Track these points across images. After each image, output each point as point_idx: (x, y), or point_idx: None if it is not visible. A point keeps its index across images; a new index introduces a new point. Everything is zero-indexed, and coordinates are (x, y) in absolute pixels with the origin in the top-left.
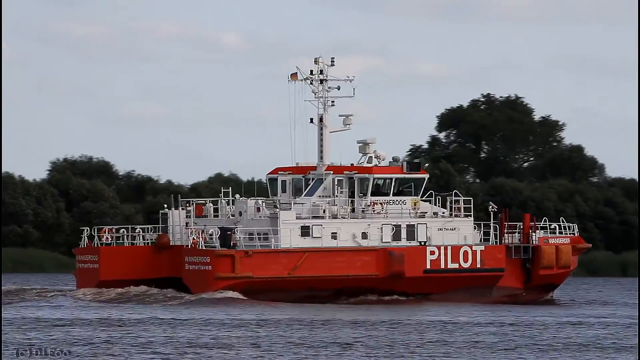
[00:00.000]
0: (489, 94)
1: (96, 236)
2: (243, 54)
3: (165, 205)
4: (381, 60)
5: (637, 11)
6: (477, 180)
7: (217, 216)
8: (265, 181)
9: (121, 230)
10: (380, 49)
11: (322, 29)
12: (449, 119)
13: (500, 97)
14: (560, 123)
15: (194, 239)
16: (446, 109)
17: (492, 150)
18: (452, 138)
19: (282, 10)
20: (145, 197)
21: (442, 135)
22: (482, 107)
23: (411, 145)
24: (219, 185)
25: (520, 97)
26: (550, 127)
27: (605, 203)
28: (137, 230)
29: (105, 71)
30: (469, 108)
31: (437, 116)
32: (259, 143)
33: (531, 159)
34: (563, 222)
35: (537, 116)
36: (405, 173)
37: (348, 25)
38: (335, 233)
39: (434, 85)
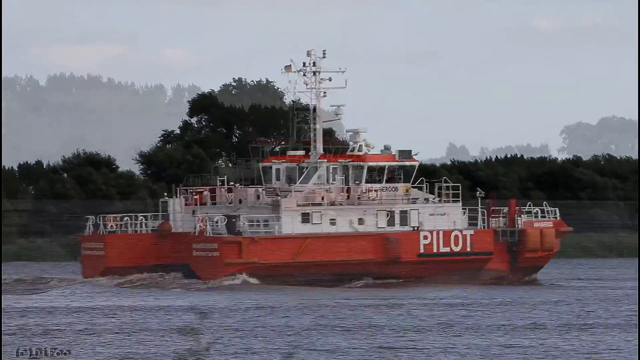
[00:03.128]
0: (240, 78)
1: (101, 224)
2: None
3: (165, 194)
4: (126, 48)
5: (637, 11)
6: (230, 165)
7: (214, 204)
8: None
9: (125, 218)
10: (125, 37)
11: (67, 17)
12: (200, 104)
13: (252, 81)
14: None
15: (201, 226)
16: (198, 94)
17: (243, 135)
18: (203, 123)
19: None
20: None
21: (194, 121)
22: (233, 92)
23: (163, 130)
24: None
25: (272, 82)
26: (301, 110)
27: None
28: (139, 218)
29: None
30: (219, 93)
31: (189, 101)
32: None
33: (282, 143)
34: (546, 206)
35: (287, 100)
36: (397, 161)
37: (93, 13)
38: (334, 219)
39: (183, 71)
